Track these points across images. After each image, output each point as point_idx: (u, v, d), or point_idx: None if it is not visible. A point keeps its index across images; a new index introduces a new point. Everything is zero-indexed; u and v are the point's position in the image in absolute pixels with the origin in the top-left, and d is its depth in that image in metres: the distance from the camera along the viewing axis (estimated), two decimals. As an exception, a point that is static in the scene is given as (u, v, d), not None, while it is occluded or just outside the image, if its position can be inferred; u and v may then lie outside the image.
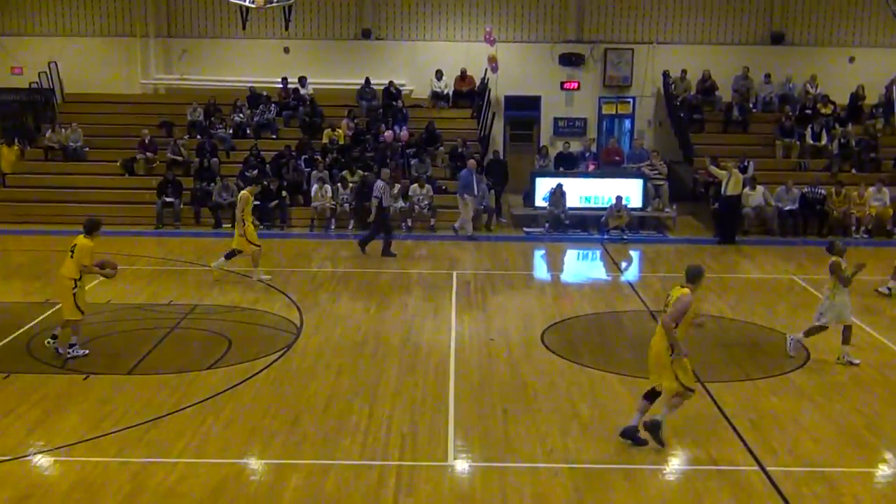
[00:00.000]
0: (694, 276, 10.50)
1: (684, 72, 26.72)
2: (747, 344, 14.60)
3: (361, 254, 20.07)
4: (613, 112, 28.15)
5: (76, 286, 12.77)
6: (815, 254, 20.87)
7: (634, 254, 21.32)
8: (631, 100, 27.76)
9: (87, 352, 12.98)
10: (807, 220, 22.80)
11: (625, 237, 22.15)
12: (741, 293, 17.84)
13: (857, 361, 13.11)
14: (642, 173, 24.04)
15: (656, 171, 24.08)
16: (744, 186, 22.29)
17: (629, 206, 22.81)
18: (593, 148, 26.47)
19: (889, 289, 17.19)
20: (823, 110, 25.93)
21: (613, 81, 27.53)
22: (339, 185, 23.26)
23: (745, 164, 23.70)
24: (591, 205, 23.44)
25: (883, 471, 10.09)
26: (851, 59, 27.42)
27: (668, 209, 23.56)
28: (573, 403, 11.62)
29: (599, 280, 19.45)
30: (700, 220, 23.95)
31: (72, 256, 12.75)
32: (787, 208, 22.76)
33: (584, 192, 23.62)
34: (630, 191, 23.26)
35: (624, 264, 20.25)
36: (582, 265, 21.14)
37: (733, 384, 12.40)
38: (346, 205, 23.00)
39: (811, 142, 24.95)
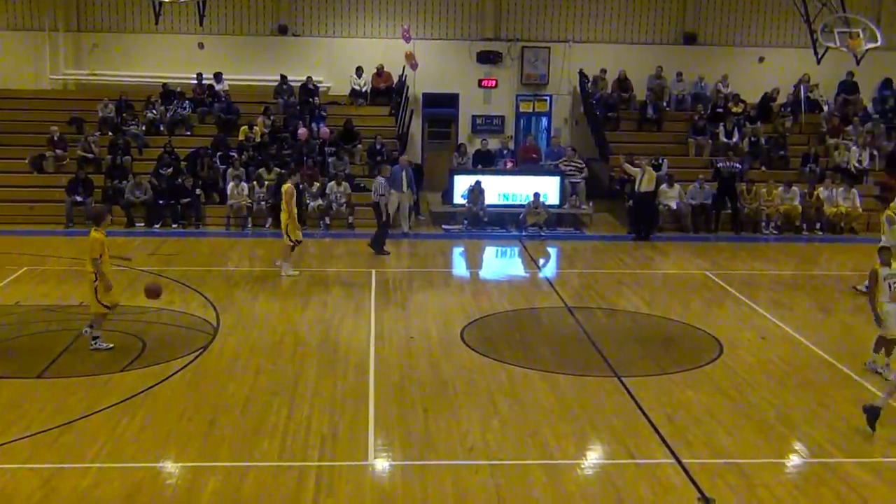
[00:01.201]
0: None
1: (604, 71, 27.05)
2: (663, 339, 14.85)
3: (381, 255, 19.80)
4: (531, 110, 28.35)
5: (97, 279, 12.78)
6: (727, 249, 21.41)
7: (552, 250, 21.51)
8: (548, 98, 28.00)
9: (111, 346, 13.07)
10: (720, 209, 23.13)
11: (542, 234, 22.34)
12: (656, 289, 18.13)
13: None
14: (560, 171, 24.28)
15: (573, 169, 24.33)
16: (659, 184, 22.69)
17: (547, 203, 23.00)
18: (511, 145, 26.65)
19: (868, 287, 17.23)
20: (734, 109, 26.51)
21: (530, 79, 27.74)
22: (255, 183, 22.97)
23: (660, 161, 24.09)
24: (510, 202, 23.58)
25: (793, 461, 10.35)
26: (761, 59, 28.08)
27: (585, 206, 23.83)
28: (493, 400, 11.66)
29: (518, 277, 19.58)
30: (616, 217, 24.27)
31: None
32: (700, 202, 23.18)
33: (503, 189, 23.75)
34: (547, 188, 23.47)
35: (542, 261, 20.42)
36: (500, 262, 21.25)
37: (649, 378, 12.59)
38: (263, 203, 22.73)
39: (723, 140, 25.48)
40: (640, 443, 10.47)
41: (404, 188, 21.77)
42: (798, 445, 10.68)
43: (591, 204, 23.90)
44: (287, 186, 17.84)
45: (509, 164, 25.36)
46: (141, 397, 11.41)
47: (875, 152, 25.44)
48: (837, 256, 21.53)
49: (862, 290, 16.94)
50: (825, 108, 26.97)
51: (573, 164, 24.50)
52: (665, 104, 26.89)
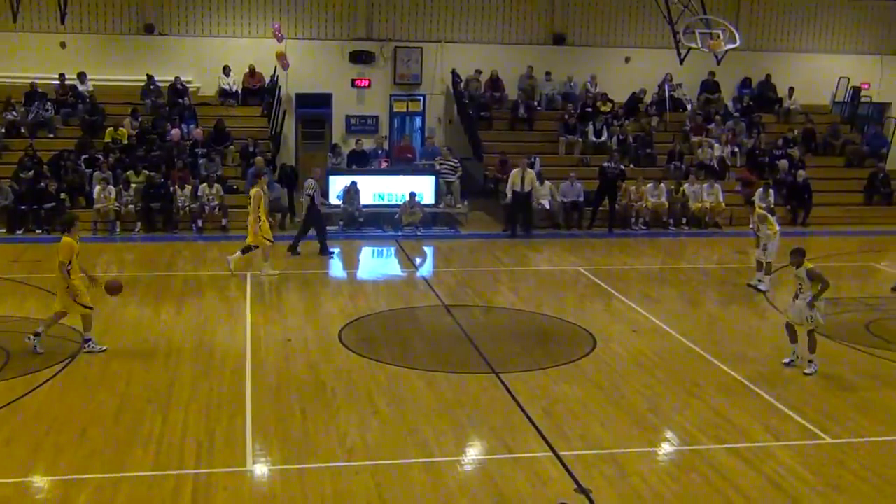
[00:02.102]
0: None
1: (478, 71, 27.29)
2: (538, 334, 15.11)
3: (293, 256, 19.63)
4: (405, 110, 28.41)
5: (67, 284, 12.79)
6: (599, 245, 21.90)
7: (428, 250, 21.61)
8: (421, 98, 28.11)
9: (104, 347, 13.16)
10: (597, 207, 23.60)
11: (418, 233, 22.42)
12: (532, 285, 18.43)
13: None
14: (434, 170, 24.40)
15: (448, 168, 24.50)
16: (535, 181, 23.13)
17: (422, 202, 23.10)
18: (386, 145, 26.65)
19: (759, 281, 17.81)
20: (603, 108, 27.15)
21: (404, 79, 27.79)
22: (122, 186, 22.34)
23: (532, 160, 24.48)
24: (385, 202, 23.58)
25: (665, 449, 10.67)
26: (627, 60, 28.82)
27: (460, 205, 24.02)
28: (372, 400, 11.65)
29: (395, 276, 19.60)
30: (491, 215, 24.54)
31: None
32: (572, 200, 23.64)
33: (378, 189, 23.73)
34: (423, 187, 23.57)
35: (418, 260, 20.50)
36: (377, 262, 21.23)
37: (526, 374, 12.77)
38: (132, 206, 22.12)
39: (593, 138, 26.06)
40: (517, 437, 10.62)
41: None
42: (669, 434, 11.02)
43: (466, 203, 24.11)
44: (255, 191, 17.99)
45: (384, 164, 25.35)
46: (6, 410, 10.96)
47: (736, 149, 26.44)
48: (703, 250, 22.29)
49: (760, 287, 17.58)
50: (689, 106, 27.88)
51: (448, 163, 24.66)
52: (536, 104, 27.33)
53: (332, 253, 20.06)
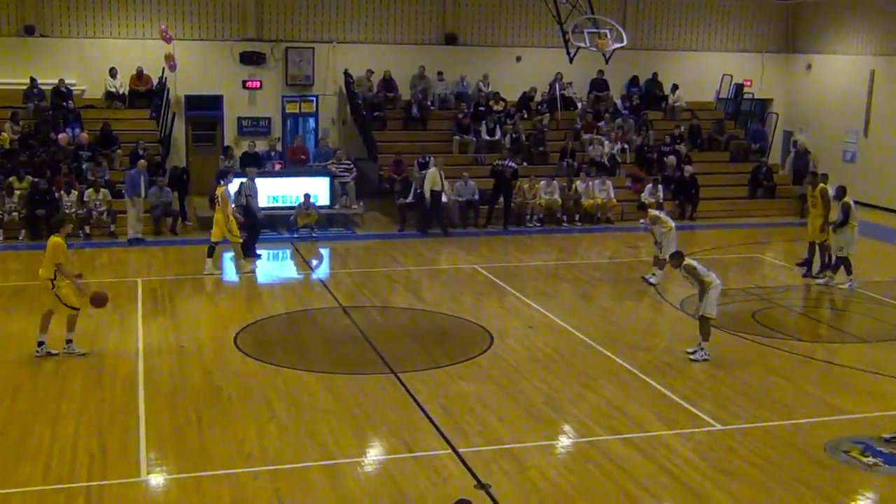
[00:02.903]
0: None
1: (370, 71, 27.21)
2: (436, 333, 15.19)
3: (258, 259, 19.56)
4: (297, 111, 28.12)
5: (53, 286, 12.87)
6: (495, 243, 22.10)
7: (324, 251, 21.47)
8: (314, 98, 27.89)
9: (84, 351, 13.16)
10: (493, 205, 23.78)
11: (314, 235, 22.25)
12: (429, 285, 18.49)
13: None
14: (329, 171, 24.26)
15: (342, 169, 24.38)
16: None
17: (317, 204, 22.93)
18: (279, 147, 26.37)
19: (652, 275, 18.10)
20: (495, 107, 27.39)
21: (296, 80, 27.52)
22: (5, 192, 21.57)
23: (426, 159, 24.54)
24: (280, 204, 23.30)
25: (562, 441, 10.86)
26: (518, 59, 29.11)
27: (356, 206, 23.94)
28: (270, 405, 11.54)
29: (291, 279, 19.42)
30: (387, 216, 24.52)
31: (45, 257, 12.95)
32: (466, 199, 23.76)
33: (272, 191, 23.43)
34: (317, 189, 23.38)
35: (314, 262, 20.35)
36: (273, 265, 20.98)
37: (424, 372, 12.83)
38: (15, 213, 21.38)
39: (486, 137, 26.27)
40: (417, 436, 10.67)
41: (143, 193, 21.19)
42: (566, 427, 11.22)
43: (361, 204, 24.03)
44: (221, 190, 18.40)
45: (277, 166, 25.09)
46: None
47: (626, 146, 26.98)
48: (595, 246, 22.69)
49: (651, 280, 17.95)
50: (579, 105, 28.33)
51: (342, 164, 24.55)
52: (429, 103, 27.41)
53: (259, 256, 19.82)
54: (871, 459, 10.29)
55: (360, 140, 27.07)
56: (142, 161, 21.66)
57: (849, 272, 17.88)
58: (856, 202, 18.86)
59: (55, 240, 13.03)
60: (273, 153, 25.58)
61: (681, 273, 13.75)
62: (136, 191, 20.98)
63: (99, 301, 13.46)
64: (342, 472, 9.77)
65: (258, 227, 20.21)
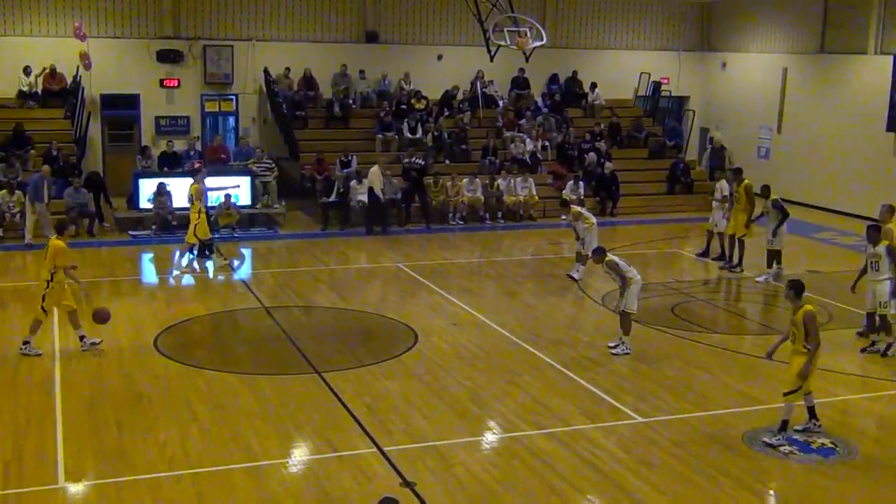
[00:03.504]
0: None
1: (287, 69, 26.98)
2: (360, 332, 15.15)
3: (220, 256, 19.47)
4: (216, 109, 27.76)
5: (48, 286, 13.01)
6: (418, 241, 22.10)
7: (246, 251, 21.22)
8: (233, 97, 27.56)
9: (40, 352, 13.14)
10: (410, 203, 23.78)
11: (236, 235, 21.99)
12: (352, 283, 18.43)
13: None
14: (250, 170, 24.00)
15: (263, 168, 24.15)
16: (351, 179, 23.11)
17: (238, 203, 22.66)
18: (198, 146, 25.99)
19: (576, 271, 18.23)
20: (417, 105, 27.38)
21: (214, 79, 27.16)
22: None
23: (349, 158, 24.45)
24: (200, 204, 22.95)
25: (487, 438, 10.92)
26: (440, 57, 29.16)
27: (278, 205, 23.73)
28: (191, 408, 11.38)
29: (212, 280, 19.16)
30: (310, 215, 24.35)
31: (45, 258, 13.11)
32: (389, 197, 23.70)
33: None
34: (238, 188, 23.09)
35: (236, 262, 20.11)
36: (193, 266, 20.66)
37: (349, 372, 12.78)
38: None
39: (408, 135, 26.26)
40: (342, 436, 10.63)
41: (44, 198, 20.58)
42: (491, 423, 11.29)
43: (283, 203, 23.83)
44: (196, 187, 18.44)
45: (197, 166, 24.73)
46: None
47: (547, 143, 27.23)
48: (518, 242, 22.86)
49: (573, 276, 18.10)
50: (500, 103, 28.49)
51: (263, 163, 24.32)
52: (351, 102, 27.30)
53: (210, 256, 19.53)
54: (786, 448, 10.55)
55: (282, 139, 26.84)
56: (45, 166, 21.07)
57: (769, 265, 18.35)
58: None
59: (56, 242, 13.12)
60: (192, 153, 25.20)
61: (603, 268, 13.94)
62: (38, 196, 20.36)
63: (101, 317, 13.64)
64: (266, 474, 9.68)
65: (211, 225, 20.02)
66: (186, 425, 10.83)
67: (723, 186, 20.03)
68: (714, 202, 20.10)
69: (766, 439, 10.63)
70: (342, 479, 9.54)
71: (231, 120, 27.99)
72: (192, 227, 18.46)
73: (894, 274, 13.49)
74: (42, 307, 13.16)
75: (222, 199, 22.02)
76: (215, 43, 26.93)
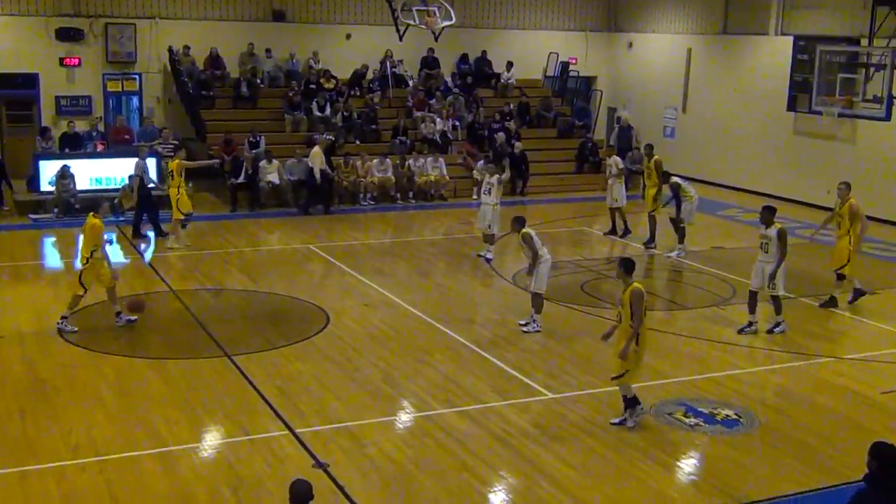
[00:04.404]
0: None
1: (187, 47, 26.41)
2: (271, 314, 15.01)
3: (139, 240, 19.49)
4: (119, 89, 27.07)
5: (87, 263, 13.37)
6: (329, 222, 21.96)
7: (152, 234, 20.77)
8: (137, 76, 26.90)
9: (75, 329, 13.32)
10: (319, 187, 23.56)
11: (143, 218, 21.50)
12: (262, 265, 18.21)
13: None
14: (155, 152, 23.50)
15: (169, 149, 23.66)
16: (260, 159, 22.84)
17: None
18: (101, 127, 25.34)
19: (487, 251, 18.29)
20: (326, 85, 27.13)
21: (117, 57, 26.46)
22: None
23: (257, 138, 24.13)
24: (103, 186, 22.43)
25: (399, 417, 10.94)
26: (349, 37, 28.90)
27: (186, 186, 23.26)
28: (98, 394, 11.16)
29: (117, 264, 18.67)
30: (218, 196, 23.96)
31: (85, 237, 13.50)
32: (298, 178, 23.46)
33: (94, 173, 22.57)
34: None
35: (143, 246, 19.69)
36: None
37: (260, 354, 12.67)
38: None
39: (318, 115, 26.02)
40: (253, 419, 10.54)
41: None
42: (403, 402, 11.31)
43: (190, 185, 23.37)
44: (176, 162, 18.81)
45: (100, 147, 24.13)
46: None
47: (457, 123, 27.27)
48: (430, 222, 22.87)
49: (484, 255, 18.19)
50: (410, 82, 28.42)
51: (168, 143, 23.83)
52: (259, 81, 26.92)
53: (147, 235, 19.79)
54: (693, 420, 10.83)
55: (188, 119, 26.34)
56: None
57: (680, 241, 18.76)
58: (681, 177, 19.81)
59: (94, 221, 13.41)
60: (95, 133, 24.57)
61: (518, 240, 14.01)
62: None
63: (136, 307, 13.96)
64: (176, 460, 9.54)
65: (154, 205, 19.99)
66: (92, 412, 10.60)
67: (616, 161, 20.45)
68: (610, 178, 20.41)
69: (612, 420, 10.61)
70: (254, 462, 9.46)
71: (135, 100, 27.31)
72: (174, 203, 18.67)
73: (782, 257, 13.72)
74: (81, 281, 13.41)
75: (127, 181, 21.49)
76: (117, 20, 26.23)
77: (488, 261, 18.09)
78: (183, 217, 18.92)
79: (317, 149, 22.63)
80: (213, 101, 26.22)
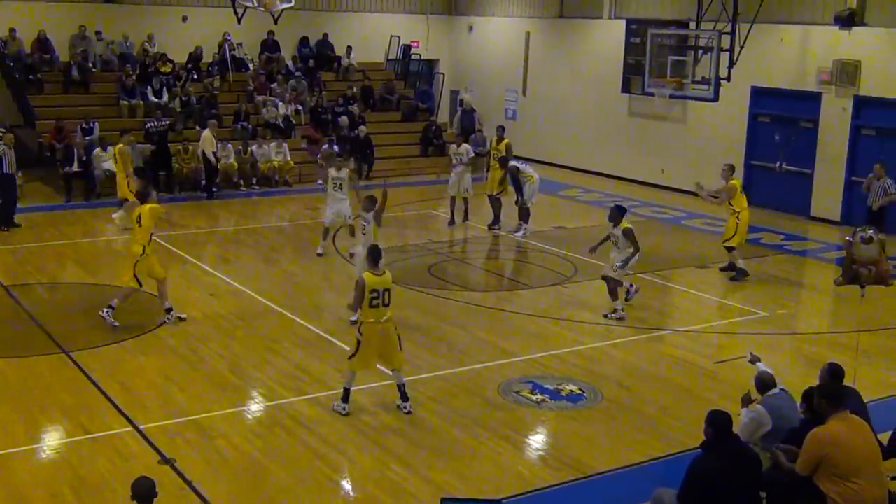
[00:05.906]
0: None
1: (13, 30, 25.16)
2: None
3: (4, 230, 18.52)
4: (-63, 74, 25.61)
5: (143, 252, 12.95)
6: (170, 211, 21.33)
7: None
8: (-43, 60, 25.50)
9: (116, 323, 12.91)
10: (157, 170, 22.83)
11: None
12: (99, 257, 17.61)
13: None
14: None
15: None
16: (94, 146, 22.04)
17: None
18: (-82, 114, 23.91)
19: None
20: (163, 69, 26.33)
21: (-67, 40, 25.02)
22: None
23: (90, 125, 23.23)
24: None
25: (248, 407, 10.81)
26: (185, 19, 28.11)
27: (16, 175, 22.19)
28: (-77, 398, 10.55)
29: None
30: (50, 185, 22.96)
31: (139, 225, 12.95)
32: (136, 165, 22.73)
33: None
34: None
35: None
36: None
37: (100, 349, 12.27)
38: None
39: (155, 100, 25.26)
40: (94, 416, 10.20)
41: None
42: (252, 392, 11.18)
43: (20, 173, 22.32)
44: (119, 147, 19.02)
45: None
46: None
47: (300, 107, 26.97)
48: (274, 208, 22.59)
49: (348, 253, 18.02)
50: (250, 66, 27.91)
51: (-6, 130, 22.71)
52: (91, 65, 25.89)
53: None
54: (538, 396, 11.10)
55: (15, 106, 25.13)
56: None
57: (525, 220, 19.14)
58: (520, 159, 20.19)
59: (148, 207, 13.06)
60: (-88, 121, 23.16)
61: (360, 219, 14.03)
62: None
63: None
64: (12, 463, 9.15)
65: (14, 193, 19.29)
66: (-82, 418, 10.04)
67: (468, 149, 20.56)
68: (460, 166, 20.21)
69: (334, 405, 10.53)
70: (97, 462, 9.17)
71: (-46, 85, 25.85)
72: (124, 184, 18.90)
73: (636, 250, 14.07)
74: (135, 275, 12.96)
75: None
76: (-67, 1, 24.77)
77: (352, 255, 17.93)
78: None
79: (207, 133, 22.22)
80: (42, 86, 25.06)
